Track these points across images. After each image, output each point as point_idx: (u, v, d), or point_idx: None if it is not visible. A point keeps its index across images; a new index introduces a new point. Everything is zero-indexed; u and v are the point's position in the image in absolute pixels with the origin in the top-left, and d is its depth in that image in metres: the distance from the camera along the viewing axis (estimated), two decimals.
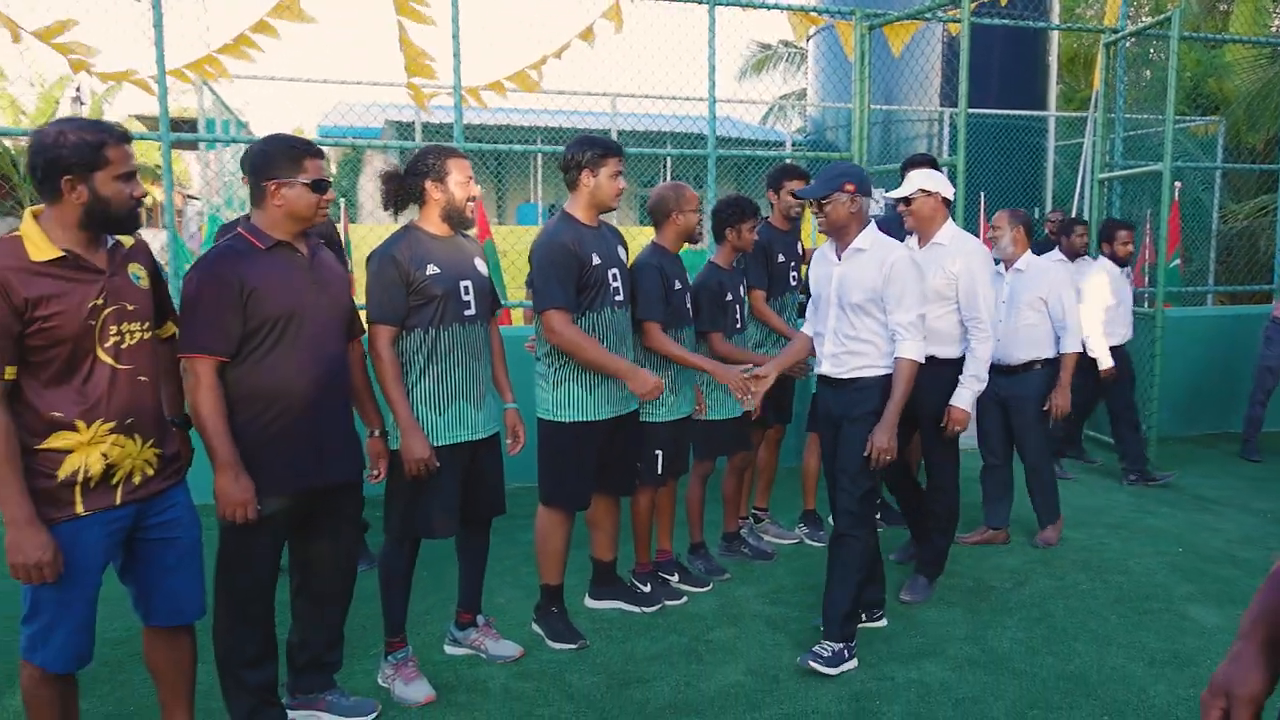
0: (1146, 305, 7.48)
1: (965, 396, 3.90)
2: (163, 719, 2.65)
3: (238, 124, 12.38)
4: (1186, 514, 5.32)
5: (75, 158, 2.22)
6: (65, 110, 19.68)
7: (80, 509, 2.26)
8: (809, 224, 7.48)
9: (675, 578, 4.18)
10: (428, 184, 3.07)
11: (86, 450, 2.26)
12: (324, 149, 2.79)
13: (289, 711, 2.91)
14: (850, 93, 12.58)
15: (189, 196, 19.25)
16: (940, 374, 3.92)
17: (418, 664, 3.24)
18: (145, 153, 20.02)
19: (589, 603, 3.96)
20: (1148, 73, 13.80)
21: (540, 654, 3.52)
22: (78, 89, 20.49)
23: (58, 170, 2.22)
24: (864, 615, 3.71)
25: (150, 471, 2.39)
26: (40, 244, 2.22)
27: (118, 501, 2.32)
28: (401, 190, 3.10)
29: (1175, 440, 7.06)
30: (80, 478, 2.26)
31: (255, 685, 2.75)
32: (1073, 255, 6.13)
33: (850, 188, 3.40)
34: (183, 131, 10.00)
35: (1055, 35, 14.14)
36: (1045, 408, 4.71)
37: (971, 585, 4.24)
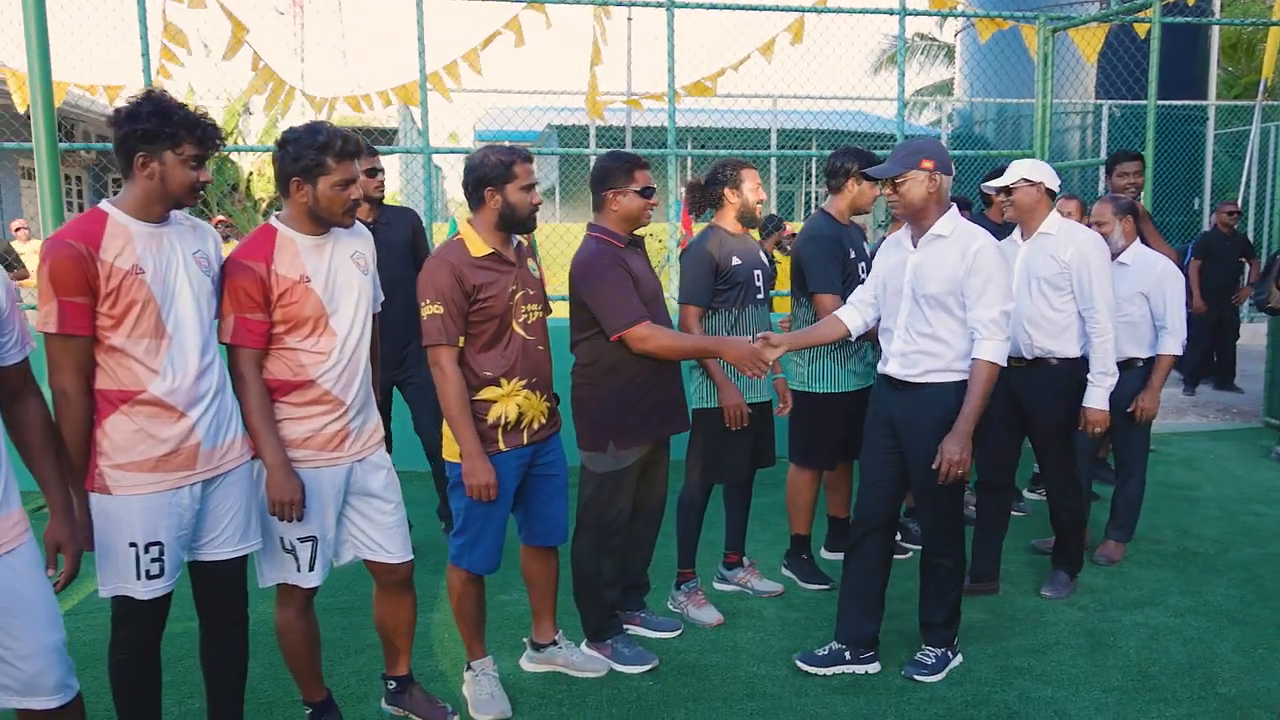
0: None
1: (1098, 395, 3.75)
2: (533, 620, 3.34)
3: (419, 132, 13.35)
4: None
5: (494, 174, 2.89)
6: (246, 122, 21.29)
7: (502, 445, 2.94)
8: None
9: (898, 536, 4.67)
10: (726, 190, 3.67)
11: (506, 401, 2.93)
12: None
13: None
14: (1000, 88, 12.69)
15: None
16: (1054, 375, 3.80)
17: (705, 593, 3.85)
18: None
19: (824, 554, 4.49)
20: None
21: (798, 592, 4.08)
22: (248, 103, 22.14)
23: (483, 183, 2.89)
24: (848, 655, 3.36)
25: (543, 420, 3.05)
26: (476, 243, 2.90)
27: (525, 441, 2.99)
28: (704, 197, 3.70)
29: None
30: (502, 422, 2.93)
31: (609, 602, 3.40)
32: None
33: (928, 165, 3.13)
34: (379, 141, 10.93)
35: (1217, 10, 13.91)
36: (1130, 409, 4.33)
37: (1176, 551, 4.59)
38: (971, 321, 3.11)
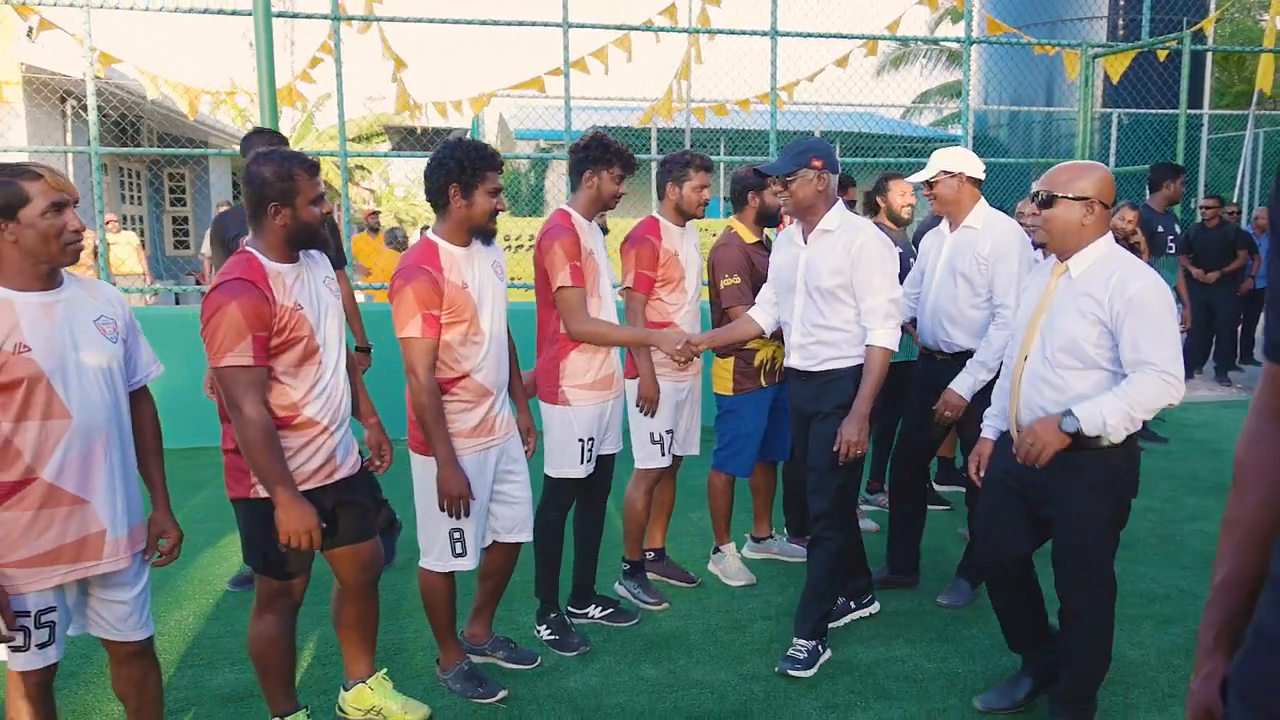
0: None
1: (965, 383, 3.65)
2: (754, 520, 4.45)
3: (473, 131, 14.42)
4: None
5: (755, 183, 3.98)
6: (287, 119, 22.13)
7: (763, 383, 4.04)
8: None
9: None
10: (878, 198, 4.77)
11: (766, 349, 4.03)
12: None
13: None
14: (1013, 96, 13.84)
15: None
16: None
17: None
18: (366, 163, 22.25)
19: (936, 486, 5.59)
20: None
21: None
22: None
23: (747, 189, 3.99)
24: (853, 604, 3.69)
25: (780, 365, 4.15)
26: (746, 234, 4.02)
27: (766, 383, 4.08)
28: (865, 201, 4.82)
29: None
30: (764, 365, 4.03)
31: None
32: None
33: (817, 163, 3.23)
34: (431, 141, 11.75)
35: (1210, 37, 15.18)
36: None
37: (1214, 485, 5.76)
38: (863, 311, 3.25)
